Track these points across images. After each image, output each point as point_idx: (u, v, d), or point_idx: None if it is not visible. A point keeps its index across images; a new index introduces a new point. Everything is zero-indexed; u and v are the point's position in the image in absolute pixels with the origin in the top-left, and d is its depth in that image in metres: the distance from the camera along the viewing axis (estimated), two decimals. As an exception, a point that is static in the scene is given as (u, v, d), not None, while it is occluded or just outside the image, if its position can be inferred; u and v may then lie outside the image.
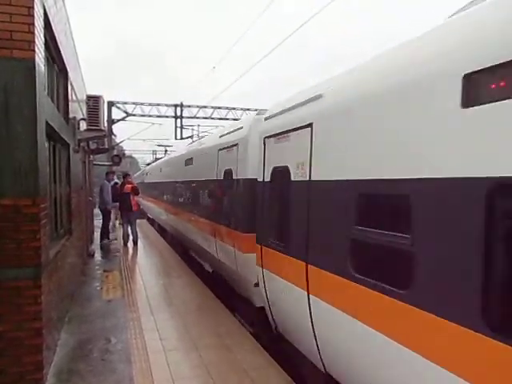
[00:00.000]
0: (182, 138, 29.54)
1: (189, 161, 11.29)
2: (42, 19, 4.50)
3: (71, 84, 7.62)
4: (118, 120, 29.73)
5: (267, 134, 5.59)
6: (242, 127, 7.07)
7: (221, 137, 8.31)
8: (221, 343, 5.49)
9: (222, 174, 7.69)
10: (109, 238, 14.17)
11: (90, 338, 5.67)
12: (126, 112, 29.52)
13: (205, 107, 31.14)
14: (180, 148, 15.22)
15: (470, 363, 2.39)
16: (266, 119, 5.93)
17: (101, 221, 14.40)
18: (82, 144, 9.58)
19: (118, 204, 14.10)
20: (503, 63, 2.18)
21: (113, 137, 27.81)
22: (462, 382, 2.40)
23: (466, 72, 2.41)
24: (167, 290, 8.25)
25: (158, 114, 30.48)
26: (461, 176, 2.43)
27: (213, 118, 31.32)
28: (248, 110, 32.02)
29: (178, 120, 30.65)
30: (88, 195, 13.08)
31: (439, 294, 2.62)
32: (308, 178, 4.33)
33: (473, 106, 2.37)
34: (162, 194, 16.39)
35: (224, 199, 7.66)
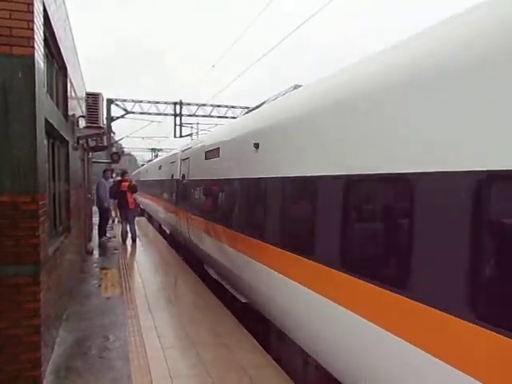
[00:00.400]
0: (181, 136, 29.49)
1: (160, 167, 17.88)
2: (41, 16, 4.48)
3: (70, 81, 7.60)
4: (117, 117, 29.69)
5: (181, 159, 12.02)
6: (177, 153, 13.49)
7: (170, 156, 15.63)
8: (219, 342, 5.49)
9: (171, 175, 13.78)
10: (106, 236, 14.16)
11: (88, 335, 5.67)
12: (125, 109, 29.48)
13: (204, 105, 31.12)
14: (158, 158, 24.38)
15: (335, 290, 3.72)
16: (182, 151, 12.35)
17: (99, 218, 14.39)
18: (81, 141, 9.56)
19: (116, 201, 14.06)
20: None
21: (112, 134, 27.78)
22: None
23: (254, 142, 5.73)
24: (166, 288, 8.25)
25: (157, 112, 30.45)
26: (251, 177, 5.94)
27: (212, 116, 31.30)
28: (247, 108, 31.85)
29: (178, 118, 30.57)
30: (87, 193, 13.06)
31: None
32: (189, 179, 10.49)
33: (257, 150, 5.72)
34: (148, 188, 21.07)
35: (171, 189, 13.65)
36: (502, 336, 2.20)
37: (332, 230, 3.77)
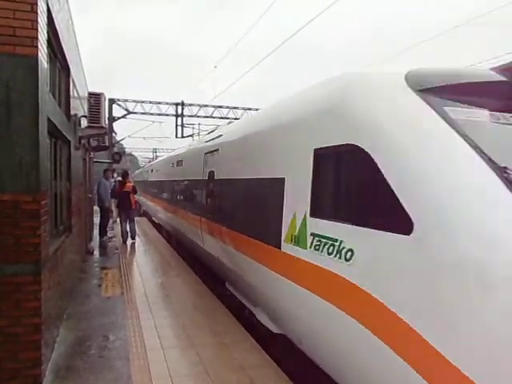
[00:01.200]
0: (182, 137, 29.50)
1: (141, 173, 29.74)
2: (45, 16, 4.50)
3: (73, 81, 7.62)
4: (119, 117, 29.69)
5: (145, 171, 26.83)
6: (140, 168, 38.71)
7: (143, 168, 30.86)
8: (219, 341, 5.50)
9: (143, 178, 26.09)
10: (106, 236, 14.17)
11: (88, 334, 5.68)
12: (126, 110, 29.48)
13: (206, 106, 31.10)
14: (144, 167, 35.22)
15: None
16: (148, 167, 27.17)
17: (99, 218, 14.40)
18: (82, 141, 9.58)
19: (116, 201, 14.14)
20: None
21: (113, 134, 27.80)
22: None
23: (156, 170, 20.57)
24: (166, 288, 8.26)
25: (159, 112, 30.44)
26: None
27: (214, 117, 31.27)
28: (249, 109, 31.92)
29: (179, 118, 30.55)
30: (88, 192, 13.08)
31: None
32: (148, 180, 23.13)
33: (158, 172, 19.75)
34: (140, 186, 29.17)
35: (143, 185, 24.16)
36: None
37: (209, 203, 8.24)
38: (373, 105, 3.42)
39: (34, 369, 4.12)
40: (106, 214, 14.20)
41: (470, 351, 2.39)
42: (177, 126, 30.13)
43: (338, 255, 3.40)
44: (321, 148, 3.84)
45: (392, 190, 2.93)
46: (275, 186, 4.63)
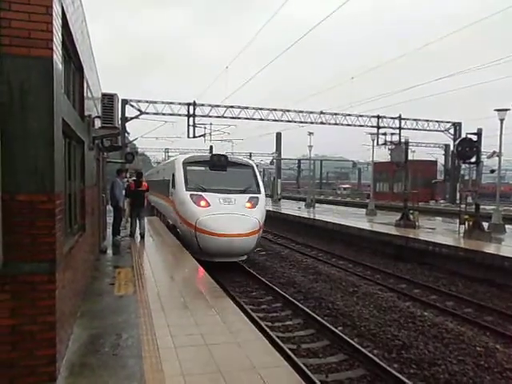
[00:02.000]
0: (194, 137, 29.61)
1: (149, 176, 33.52)
2: (59, 18, 4.55)
3: (87, 82, 7.70)
4: (132, 118, 29.89)
5: (147, 174, 36.11)
6: (152, 168, 47.88)
7: (150, 172, 38.15)
8: (231, 341, 5.52)
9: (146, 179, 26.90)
10: (119, 235, 14.29)
11: (101, 332, 5.74)
12: (139, 110, 29.68)
13: (218, 106, 31.13)
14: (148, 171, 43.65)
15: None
16: (149, 172, 39.94)
17: (112, 217, 14.55)
18: (96, 141, 9.68)
19: (130, 200, 14.41)
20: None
21: (126, 134, 28.03)
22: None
23: (150, 173, 36.07)
24: (178, 286, 8.31)
25: (171, 113, 30.55)
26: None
27: (225, 117, 31.28)
28: (260, 109, 31.83)
29: (191, 119, 30.64)
30: (101, 192, 13.22)
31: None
32: (148, 180, 24.44)
33: (157, 174, 27.12)
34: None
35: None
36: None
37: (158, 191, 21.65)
38: (177, 165, 15.32)
39: (49, 366, 4.18)
40: (119, 214, 14.33)
41: (182, 213, 14.09)
42: (189, 125, 30.24)
43: (172, 195, 15.58)
44: (172, 173, 15.86)
45: (175, 181, 15.06)
46: (168, 181, 16.83)
